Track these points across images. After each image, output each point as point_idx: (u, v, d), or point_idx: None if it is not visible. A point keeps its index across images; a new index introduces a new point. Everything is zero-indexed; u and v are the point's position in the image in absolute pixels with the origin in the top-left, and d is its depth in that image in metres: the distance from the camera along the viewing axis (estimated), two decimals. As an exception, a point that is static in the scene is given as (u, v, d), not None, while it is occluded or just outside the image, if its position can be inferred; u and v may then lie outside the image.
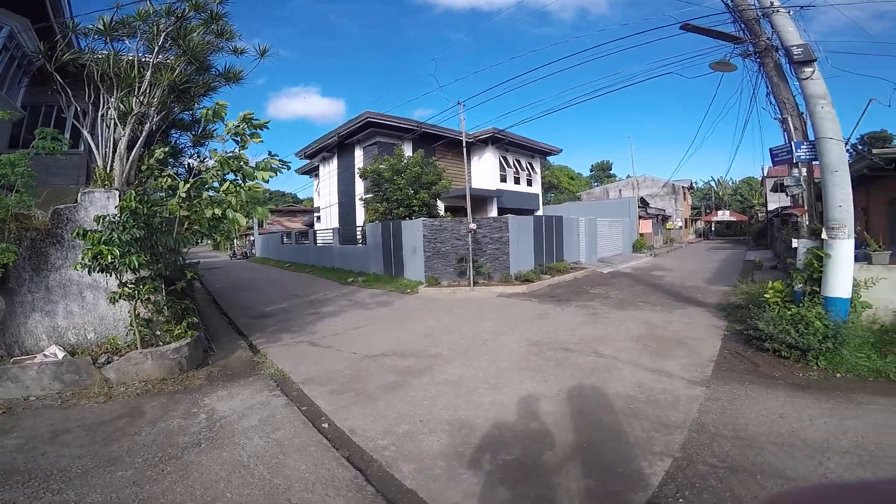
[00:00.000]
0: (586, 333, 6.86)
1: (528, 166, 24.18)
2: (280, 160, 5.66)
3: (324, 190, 23.55)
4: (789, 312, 5.38)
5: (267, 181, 5.54)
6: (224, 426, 3.95)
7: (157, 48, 5.98)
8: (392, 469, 3.17)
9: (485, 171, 21.22)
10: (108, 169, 6.05)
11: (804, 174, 6.27)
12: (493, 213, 20.16)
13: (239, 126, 5.44)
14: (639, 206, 27.94)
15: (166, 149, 6.16)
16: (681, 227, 39.26)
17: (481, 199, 19.97)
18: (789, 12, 5.75)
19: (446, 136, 17.97)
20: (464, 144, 12.58)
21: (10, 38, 6.97)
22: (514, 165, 22.80)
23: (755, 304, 6.58)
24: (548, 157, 28.10)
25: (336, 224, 21.05)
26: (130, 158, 6.10)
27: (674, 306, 8.91)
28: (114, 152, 6.06)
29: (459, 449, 3.39)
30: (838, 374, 4.67)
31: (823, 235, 5.37)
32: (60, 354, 5.19)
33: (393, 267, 14.33)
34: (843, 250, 5.23)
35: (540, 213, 23.02)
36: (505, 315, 8.52)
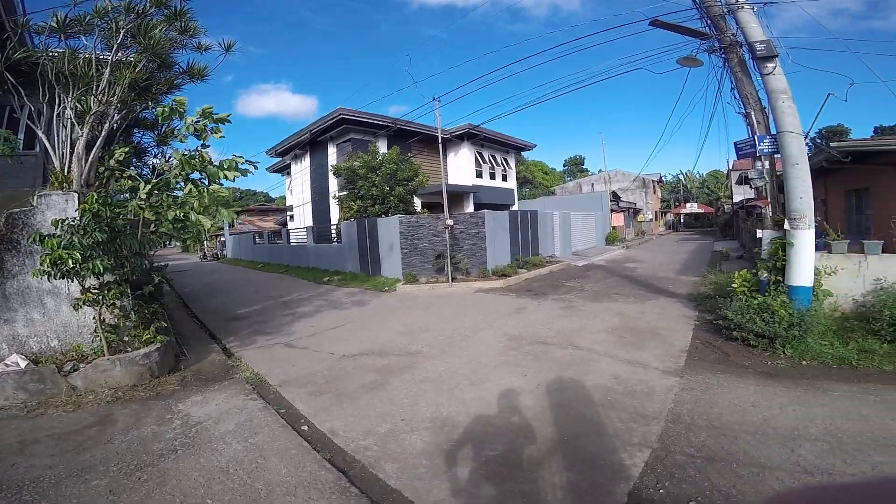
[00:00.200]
0: (563, 326, 6.97)
1: (504, 162, 24.33)
2: (247, 160, 5.51)
3: (296, 188, 23.09)
4: (756, 302, 5.59)
5: (232, 180, 5.38)
6: (200, 432, 3.83)
7: (116, 45, 5.70)
8: (375, 469, 3.14)
9: (461, 167, 21.24)
10: (66, 170, 5.76)
11: (767, 167, 6.52)
12: (470, 208, 20.22)
13: (199, 122, 5.27)
14: (611, 200, 28.52)
15: (127, 149, 5.90)
16: (651, 220, 40.31)
17: (458, 195, 19.98)
18: (753, 9, 5.94)
19: (422, 133, 17.88)
20: (439, 140, 12.55)
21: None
22: (490, 161, 22.90)
23: (723, 294, 6.81)
24: (522, 153, 28.35)
25: (310, 223, 20.68)
26: (90, 159, 5.81)
27: (646, 297, 9.14)
28: (71, 153, 5.77)
29: (443, 446, 3.39)
30: (804, 362, 4.88)
31: (786, 226, 5.60)
32: (23, 363, 4.93)
33: (369, 265, 14.20)
34: (804, 240, 5.47)
35: (515, 207, 23.23)
36: (483, 310, 8.57)
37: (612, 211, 28.19)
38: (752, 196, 19.22)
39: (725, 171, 44.65)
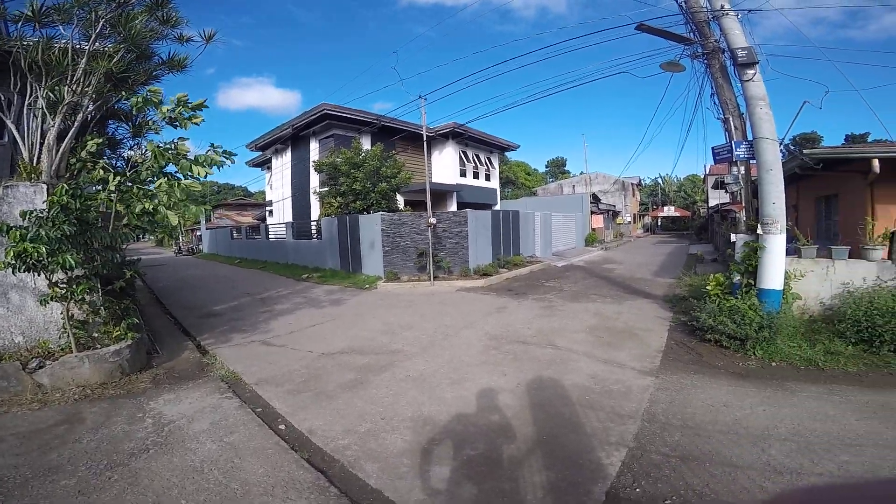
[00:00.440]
0: (543, 326, 7.03)
1: (487, 161, 24.41)
2: (225, 151, 5.37)
3: (277, 183, 22.72)
4: (728, 304, 5.75)
5: (205, 177, 5.24)
6: (173, 431, 3.73)
7: (94, 35, 5.49)
8: (355, 469, 3.11)
9: (445, 166, 21.22)
10: (36, 161, 5.51)
11: (742, 172, 6.71)
12: (453, 207, 20.22)
13: (174, 110, 5.12)
14: (591, 202, 28.94)
15: (100, 140, 5.68)
16: (630, 223, 41.06)
17: (441, 194, 19.97)
18: (738, 15, 6.09)
19: (406, 130, 17.79)
20: (424, 139, 12.51)
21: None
22: (474, 160, 22.96)
23: (698, 297, 6.98)
24: (506, 153, 28.53)
25: (290, 218, 20.37)
26: (61, 150, 5.58)
27: (624, 298, 9.30)
28: (42, 143, 5.53)
29: (424, 446, 3.38)
30: (774, 363, 5.04)
31: (759, 230, 5.76)
32: (-19, 361, 4.71)
33: (350, 262, 14.06)
34: (775, 245, 5.64)
35: (498, 207, 23.33)
36: (465, 309, 8.58)
37: (592, 213, 28.61)
38: (728, 201, 19.78)
39: (702, 176, 45.87)
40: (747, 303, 5.54)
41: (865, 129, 44.85)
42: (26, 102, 5.67)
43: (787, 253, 5.86)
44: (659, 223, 52.06)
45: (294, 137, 19.73)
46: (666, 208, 49.80)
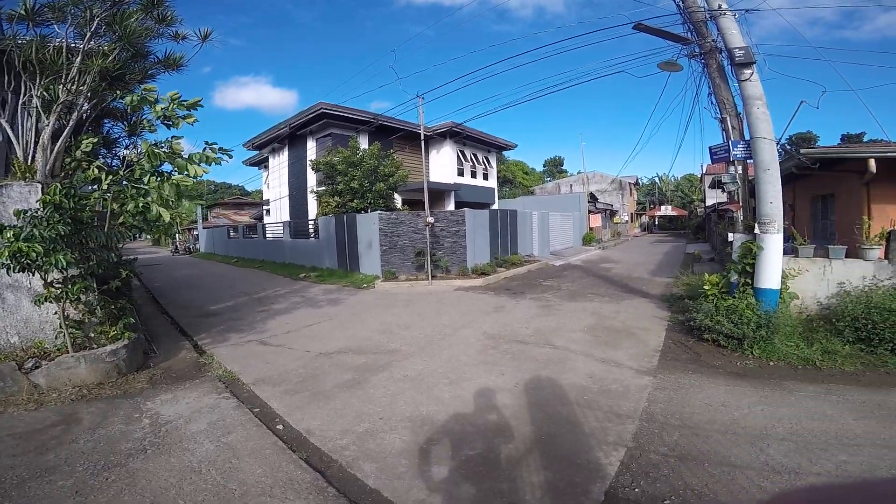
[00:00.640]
0: (540, 325, 7.03)
1: (485, 160, 24.40)
2: (221, 148, 5.33)
3: (274, 182, 22.64)
4: (725, 304, 5.76)
5: (200, 175, 5.20)
6: (170, 431, 3.71)
7: (89, 34, 5.45)
8: (353, 469, 3.10)
9: (443, 165, 21.20)
10: (30, 160, 5.47)
11: (740, 172, 6.71)
12: (451, 206, 20.21)
13: (168, 108, 5.09)
14: (588, 201, 28.96)
15: (94, 139, 5.64)
16: (627, 222, 41.15)
17: (439, 193, 19.94)
18: (735, 15, 6.09)
19: (404, 129, 17.76)
20: (422, 137, 12.50)
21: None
22: (472, 159, 22.93)
23: (695, 296, 7.00)
24: (504, 152, 28.51)
25: (287, 217, 20.31)
26: (55, 149, 5.54)
27: (621, 297, 9.31)
28: (36, 143, 5.49)
29: (422, 445, 3.37)
30: (771, 362, 5.05)
31: (756, 230, 5.78)
32: (-24, 361, 4.68)
33: (348, 261, 14.03)
34: (773, 244, 5.66)
35: (496, 206, 23.33)
36: (463, 308, 8.57)
37: (590, 212, 28.63)
38: (725, 200, 19.84)
39: (699, 176, 45.99)
40: (745, 302, 5.55)
41: (861, 129, 45.08)
42: (21, 101, 5.62)
43: (785, 252, 5.87)
44: (656, 222, 52.20)
45: (291, 136, 19.66)
46: (663, 207, 49.94)
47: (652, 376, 4.70)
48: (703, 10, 6.48)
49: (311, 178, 17.90)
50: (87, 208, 5.05)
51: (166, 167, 5.25)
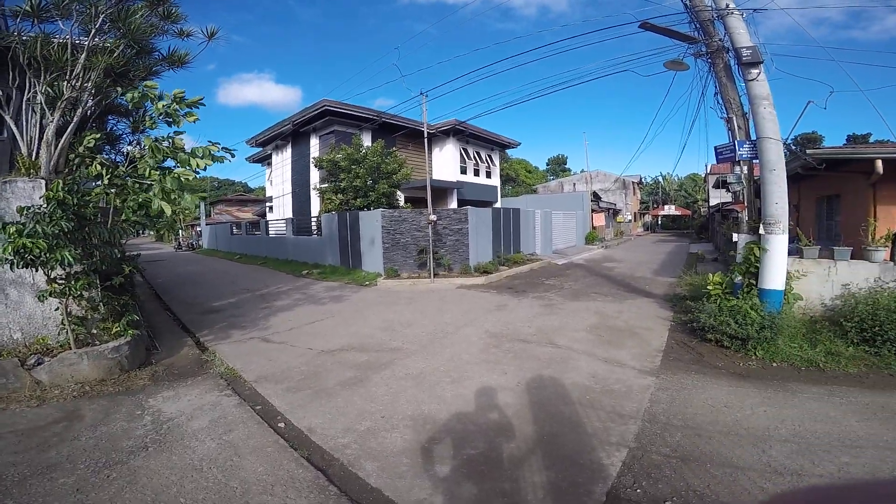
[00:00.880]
0: (543, 324, 7.02)
1: (488, 158, 24.35)
2: (223, 148, 5.34)
3: (277, 179, 22.67)
4: (729, 304, 5.73)
5: (204, 169, 5.20)
6: (172, 428, 3.72)
7: (93, 30, 5.45)
8: (355, 468, 3.09)
9: (446, 163, 21.17)
10: (34, 156, 5.48)
11: (745, 172, 6.67)
12: (453, 204, 20.18)
13: (169, 105, 5.09)
14: (592, 200, 28.89)
15: (98, 135, 5.65)
16: (630, 221, 41.02)
17: (442, 191, 19.92)
18: (742, 14, 6.04)
19: (407, 127, 17.73)
20: (425, 135, 12.46)
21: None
22: (475, 157, 22.90)
23: (698, 296, 6.96)
24: (507, 150, 28.49)
25: (290, 214, 20.34)
26: (59, 146, 5.55)
27: (624, 297, 9.29)
28: (40, 139, 5.49)
29: (424, 444, 3.37)
30: (775, 363, 5.02)
31: (761, 230, 5.74)
32: (-20, 357, 4.70)
33: (350, 259, 14.04)
34: (778, 245, 5.62)
35: (498, 205, 23.30)
36: (465, 307, 8.57)
37: (593, 211, 28.56)
38: (729, 200, 19.76)
39: (703, 175, 45.78)
40: (749, 303, 5.52)
41: (867, 129, 44.86)
42: (25, 98, 5.63)
43: (789, 253, 5.83)
44: (659, 222, 52.03)
45: (294, 133, 19.67)
46: (666, 207, 49.76)
47: (655, 376, 4.69)
48: (710, 9, 6.43)
49: (315, 176, 17.92)
50: (91, 204, 5.06)
51: (169, 163, 5.26)
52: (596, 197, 31.24)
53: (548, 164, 73.69)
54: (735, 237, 6.46)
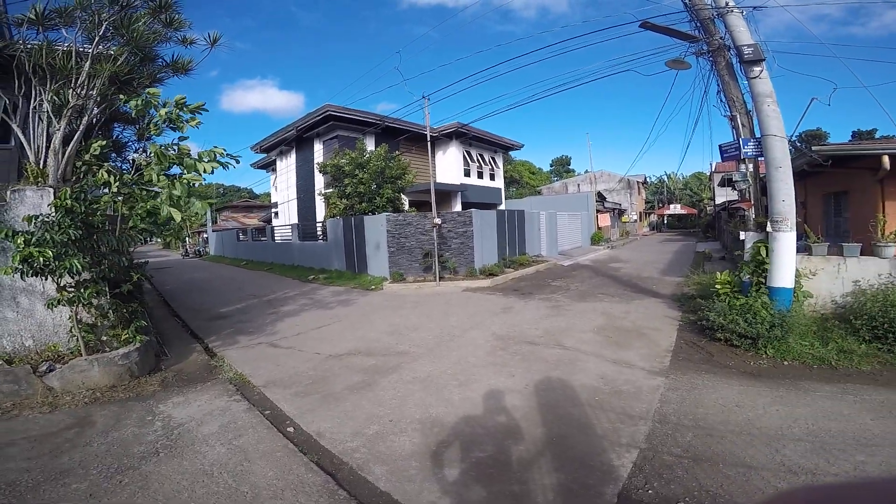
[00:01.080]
0: (550, 326, 6.99)
1: (492, 161, 24.37)
2: (229, 154, 5.38)
3: (282, 185, 22.80)
4: (738, 303, 5.69)
5: (210, 172, 5.24)
6: (182, 434, 3.74)
7: (97, 38, 5.52)
8: (364, 472, 3.09)
9: (449, 166, 21.21)
10: (42, 165, 5.55)
11: (751, 170, 6.65)
12: (458, 207, 20.20)
13: (172, 111, 5.14)
14: (596, 201, 28.80)
15: (104, 142, 5.72)
16: (636, 221, 40.87)
17: (446, 194, 19.95)
18: (742, 12, 6.03)
19: (410, 130, 17.79)
20: (428, 139, 12.48)
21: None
22: (478, 160, 22.92)
23: (706, 295, 6.91)
24: (510, 152, 28.45)
25: (295, 220, 20.43)
26: (66, 154, 5.61)
27: (632, 297, 9.24)
28: (48, 147, 5.57)
29: (432, 448, 3.36)
30: (786, 362, 4.97)
31: (768, 228, 5.69)
32: (-7, 365, 4.75)
33: (356, 263, 14.07)
34: (786, 242, 5.57)
35: (503, 207, 23.28)
36: (471, 310, 8.55)
37: (598, 211, 28.47)
38: (735, 198, 19.64)
39: (708, 174, 45.53)
40: (759, 301, 5.47)
41: (872, 125, 44.47)
42: (32, 106, 5.71)
43: (798, 251, 5.79)
44: (665, 221, 51.75)
45: (298, 139, 19.79)
46: (672, 206, 49.47)
47: (664, 377, 4.65)
48: (710, 7, 6.42)
49: (319, 181, 18.00)
50: (98, 212, 5.11)
51: (175, 170, 5.31)
52: (601, 197, 31.15)
53: (551, 166, 73.58)
54: (742, 235, 6.41)
